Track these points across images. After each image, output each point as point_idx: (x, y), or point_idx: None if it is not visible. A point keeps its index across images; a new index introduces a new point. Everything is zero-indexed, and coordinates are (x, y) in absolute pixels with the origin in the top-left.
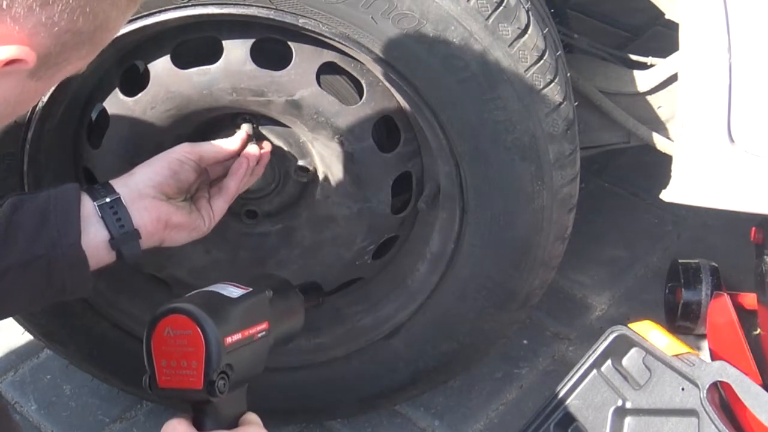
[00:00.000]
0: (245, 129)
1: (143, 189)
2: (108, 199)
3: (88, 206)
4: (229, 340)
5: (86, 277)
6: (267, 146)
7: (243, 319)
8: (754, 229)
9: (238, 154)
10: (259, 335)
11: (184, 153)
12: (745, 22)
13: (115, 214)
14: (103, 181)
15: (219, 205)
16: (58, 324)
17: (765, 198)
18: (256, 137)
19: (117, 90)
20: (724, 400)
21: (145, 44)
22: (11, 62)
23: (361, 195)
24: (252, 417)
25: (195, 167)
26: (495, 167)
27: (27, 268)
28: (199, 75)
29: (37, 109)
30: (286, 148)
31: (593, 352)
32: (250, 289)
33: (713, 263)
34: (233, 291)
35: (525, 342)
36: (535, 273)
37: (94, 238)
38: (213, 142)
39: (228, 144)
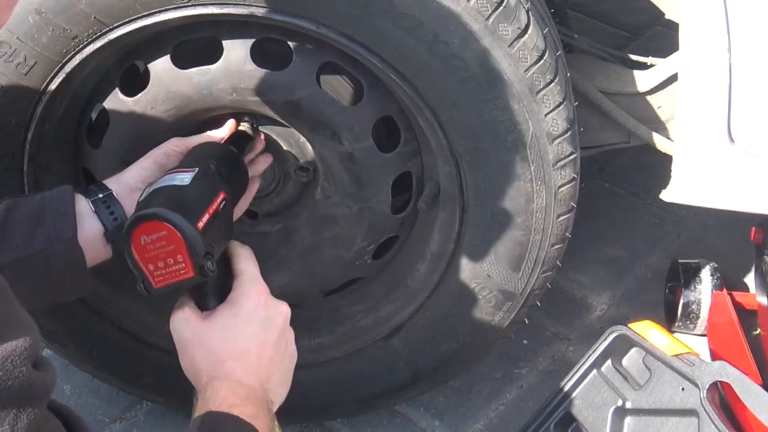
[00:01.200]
0: (231, 121)
1: (133, 184)
2: (101, 195)
3: (82, 203)
4: (200, 224)
5: (84, 272)
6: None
7: (203, 199)
8: (754, 229)
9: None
10: (222, 206)
11: (171, 147)
12: (745, 22)
13: (108, 208)
14: (102, 173)
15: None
16: (58, 324)
17: (765, 198)
18: (255, 135)
19: (117, 90)
20: (724, 400)
21: (145, 44)
22: None
23: (361, 195)
24: (243, 266)
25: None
26: (495, 167)
27: (24, 265)
28: (199, 75)
29: (37, 109)
30: (286, 148)
31: (593, 352)
32: (196, 168)
33: (713, 263)
34: (183, 177)
35: (525, 342)
36: (535, 273)
37: (89, 232)
38: (201, 135)
39: (215, 134)
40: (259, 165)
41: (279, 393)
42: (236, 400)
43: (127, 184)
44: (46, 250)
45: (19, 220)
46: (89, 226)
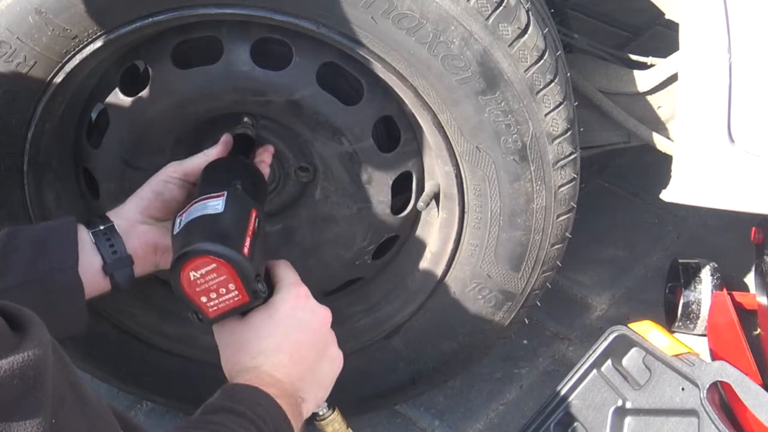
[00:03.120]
0: (227, 135)
1: (132, 216)
2: (102, 227)
3: (84, 234)
4: (245, 250)
5: (82, 304)
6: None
7: (241, 223)
8: (754, 229)
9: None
10: (257, 224)
11: (168, 174)
12: (745, 22)
13: (108, 240)
14: (102, 172)
15: None
16: None
17: (765, 198)
18: (256, 135)
19: (117, 90)
20: (724, 400)
21: (145, 44)
22: None
23: (361, 195)
24: (282, 273)
25: (180, 184)
26: (495, 167)
27: (23, 292)
28: (199, 75)
29: (37, 109)
30: (286, 148)
31: (593, 352)
32: (224, 192)
33: (713, 263)
34: (215, 204)
35: (525, 342)
36: (535, 273)
37: (89, 264)
38: (197, 155)
39: (212, 153)
40: (265, 159)
41: (312, 393)
42: (261, 384)
43: (128, 218)
44: (46, 278)
45: (20, 247)
46: (89, 258)
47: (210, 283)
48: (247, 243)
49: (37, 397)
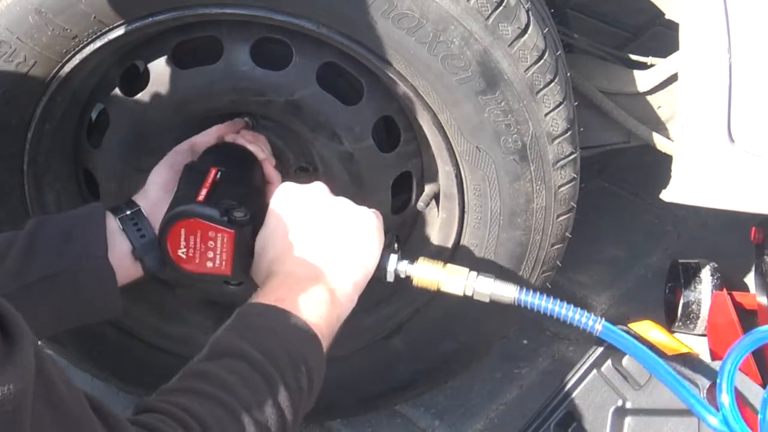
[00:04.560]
0: (236, 120)
1: (154, 195)
2: (128, 212)
3: (111, 221)
4: (200, 198)
5: (115, 291)
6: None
7: (194, 185)
8: (754, 229)
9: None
10: (218, 176)
11: (178, 146)
12: (745, 22)
13: (135, 225)
14: (102, 173)
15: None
16: None
17: (765, 198)
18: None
19: (117, 90)
20: None
21: (145, 44)
22: None
23: (361, 195)
24: (271, 186)
25: (191, 155)
26: (495, 167)
27: (52, 283)
28: (199, 75)
29: (37, 109)
30: (286, 148)
31: (593, 352)
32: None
33: (713, 263)
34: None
35: (525, 342)
36: (535, 273)
37: (119, 251)
38: (205, 132)
39: (216, 129)
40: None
41: (340, 271)
42: (284, 291)
43: (151, 199)
44: (75, 268)
45: (47, 238)
46: (118, 245)
47: (197, 246)
48: (203, 193)
49: (15, 429)
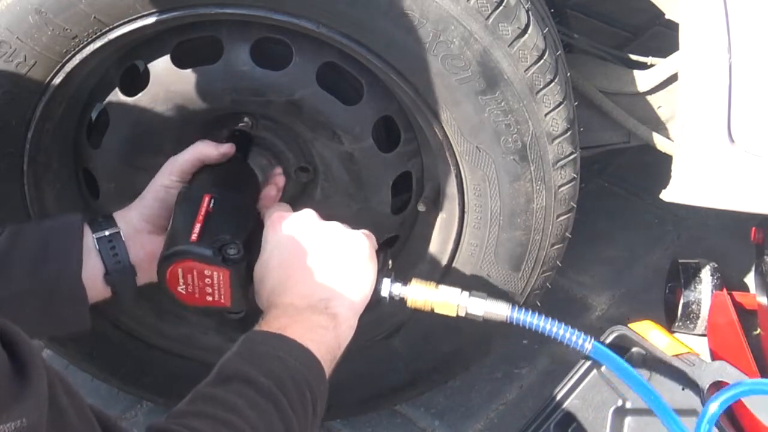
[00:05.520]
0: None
1: (137, 224)
2: (107, 233)
3: (88, 239)
4: (193, 236)
5: (85, 311)
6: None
7: (188, 217)
8: (754, 229)
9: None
10: (211, 205)
11: (167, 176)
12: (745, 22)
13: (112, 249)
14: (102, 173)
15: None
16: None
17: (765, 198)
18: (255, 133)
19: (117, 90)
20: None
21: (145, 44)
22: None
23: (361, 195)
24: (266, 220)
25: (179, 174)
26: (495, 167)
27: (26, 299)
28: (199, 75)
29: (37, 108)
30: (286, 149)
31: None
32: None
33: (713, 263)
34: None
35: (525, 342)
36: (535, 273)
37: (92, 271)
38: (188, 149)
39: (206, 148)
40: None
41: (339, 294)
42: (278, 326)
43: (133, 225)
44: (50, 285)
45: (23, 252)
46: (92, 265)
47: (195, 283)
48: (197, 229)
49: None
